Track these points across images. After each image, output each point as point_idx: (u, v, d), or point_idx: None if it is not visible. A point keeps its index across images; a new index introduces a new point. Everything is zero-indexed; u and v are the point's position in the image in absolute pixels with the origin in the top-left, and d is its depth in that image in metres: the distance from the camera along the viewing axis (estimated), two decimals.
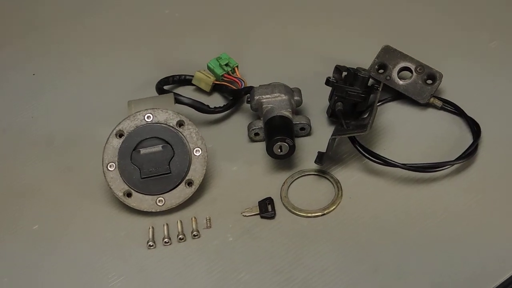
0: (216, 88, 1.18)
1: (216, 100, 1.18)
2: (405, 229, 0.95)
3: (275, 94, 1.07)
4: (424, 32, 1.24)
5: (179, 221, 0.99)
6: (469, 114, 1.07)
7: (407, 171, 0.99)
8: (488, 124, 1.05)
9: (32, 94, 1.24)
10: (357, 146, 1.02)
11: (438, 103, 1.09)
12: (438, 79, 1.09)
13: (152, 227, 0.99)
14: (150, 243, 0.97)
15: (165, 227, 0.99)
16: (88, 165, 1.07)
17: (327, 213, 0.98)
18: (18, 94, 1.25)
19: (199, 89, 1.19)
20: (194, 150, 1.02)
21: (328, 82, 1.07)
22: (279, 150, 1.01)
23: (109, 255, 0.97)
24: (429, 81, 1.10)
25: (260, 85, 1.10)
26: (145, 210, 1.01)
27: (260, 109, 1.07)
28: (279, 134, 1.00)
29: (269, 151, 1.01)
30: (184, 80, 1.20)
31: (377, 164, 1.01)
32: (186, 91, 1.20)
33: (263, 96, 1.07)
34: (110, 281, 0.94)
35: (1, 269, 0.97)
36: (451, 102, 1.09)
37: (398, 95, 1.12)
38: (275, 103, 1.06)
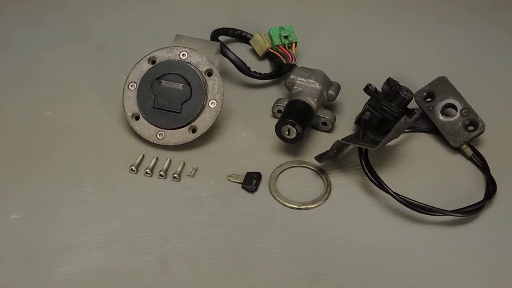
0: (268, 55, 1.18)
1: (263, 67, 1.17)
2: (367, 257, 0.92)
3: (310, 80, 1.05)
4: (491, 79, 1.17)
5: (168, 160, 1.01)
6: (494, 175, 1.00)
7: (399, 203, 0.95)
8: (506, 192, 0.98)
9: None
10: (362, 159, 0.99)
11: (469, 152, 1.03)
12: (479, 129, 1.03)
13: (143, 155, 1.02)
14: (133, 167, 1.00)
15: (154, 160, 1.01)
16: (119, 79, 1.09)
17: (304, 209, 0.97)
18: None
19: (253, 51, 1.19)
20: (210, 102, 1.03)
21: (367, 89, 1.04)
22: (287, 133, 1.00)
23: (94, 164, 1.01)
24: (470, 128, 1.04)
25: (302, 67, 1.08)
26: (144, 137, 1.03)
27: (291, 89, 1.06)
28: (292, 118, 0.99)
29: (277, 130, 1.00)
30: (244, 38, 1.20)
31: (374, 185, 0.97)
32: (241, 48, 1.20)
33: (298, 78, 1.06)
34: (81, 188, 0.98)
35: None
36: (481, 155, 1.03)
37: (434, 129, 1.06)
38: (306, 88, 1.05)
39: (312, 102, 1.03)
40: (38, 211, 0.95)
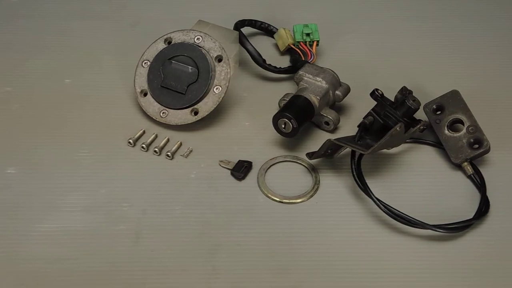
0: (289, 51, 1.18)
1: (284, 61, 1.17)
2: (337, 258, 0.91)
3: (318, 78, 1.05)
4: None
5: (166, 138, 1.04)
6: (490, 197, 0.96)
7: (383, 212, 0.93)
8: (497, 216, 0.95)
9: None
10: (353, 161, 0.98)
11: (469, 170, 1.00)
12: (483, 148, 1.00)
13: (144, 131, 1.05)
14: (131, 141, 1.03)
15: (153, 136, 1.04)
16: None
17: (286, 203, 0.97)
18: None
19: (277, 46, 1.20)
20: (215, 87, 1.05)
21: (373, 93, 1.03)
22: (283, 126, 1.00)
23: (96, 133, 1.05)
24: (475, 146, 1.01)
25: (313, 64, 1.09)
26: (148, 114, 1.06)
27: (298, 85, 1.06)
28: (289, 112, 0.99)
29: (274, 122, 1.01)
30: (269, 31, 1.21)
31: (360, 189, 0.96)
32: (266, 41, 1.21)
33: (306, 74, 1.06)
34: (79, 153, 1.02)
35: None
36: (481, 174, 0.99)
37: (440, 143, 1.03)
38: (312, 85, 1.04)
39: (315, 99, 1.03)
40: (34, 168, 1.00)
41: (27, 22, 1.23)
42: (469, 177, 1.00)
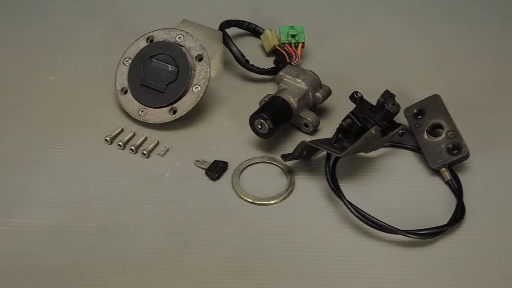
0: (275, 52, 1.17)
1: (269, 63, 1.16)
2: (305, 261, 0.90)
3: (298, 80, 1.04)
4: (501, 109, 1.10)
5: (144, 137, 1.03)
6: (467, 204, 0.95)
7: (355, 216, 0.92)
8: (473, 223, 0.93)
9: None
10: (328, 164, 0.97)
11: (447, 176, 0.98)
12: (461, 154, 0.98)
13: (122, 129, 1.05)
14: (107, 138, 1.03)
15: (130, 134, 1.04)
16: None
17: (258, 204, 0.96)
18: None
19: (263, 47, 1.19)
20: (194, 86, 1.04)
21: (352, 96, 1.02)
22: (259, 127, 0.99)
23: (74, 130, 1.05)
24: (454, 151, 0.99)
25: (295, 65, 1.08)
26: (128, 112, 1.06)
27: (278, 85, 1.06)
28: (265, 113, 0.99)
29: (251, 122, 1.00)
30: (256, 32, 1.20)
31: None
32: (253, 42, 1.21)
33: (287, 76, 1.05)
34: (55, 150, 1.02)
35: None
36: (459, 180, 0.97)
37: (419, 148, 1.02)
38: (291, 86, 1.04)
39: (293, 101, 1.02)
40: (10, 164, 1.00)
41: (14, 19, 1.23)
42: (446, 183, 0.98)
